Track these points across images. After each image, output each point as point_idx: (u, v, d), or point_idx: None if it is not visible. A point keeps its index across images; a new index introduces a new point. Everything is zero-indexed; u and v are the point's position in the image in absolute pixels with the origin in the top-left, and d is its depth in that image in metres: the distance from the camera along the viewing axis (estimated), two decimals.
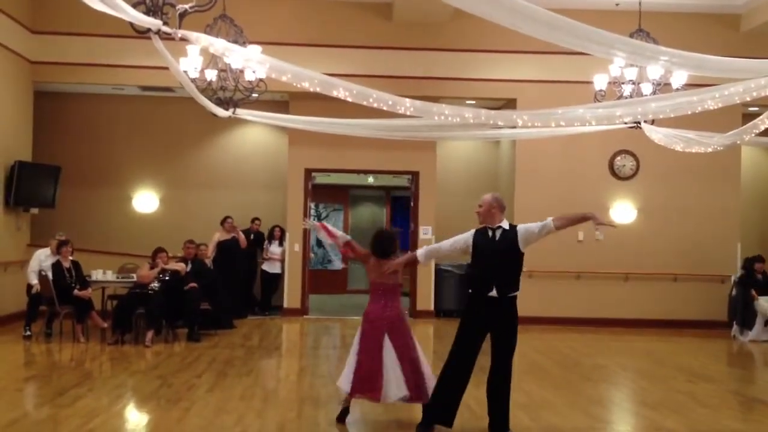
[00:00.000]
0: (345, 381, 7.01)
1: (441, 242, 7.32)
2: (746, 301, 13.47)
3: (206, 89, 9.09)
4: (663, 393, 8.95)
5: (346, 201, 20.82)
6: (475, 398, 8.07)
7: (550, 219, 6.71)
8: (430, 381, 6.98)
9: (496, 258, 6.70)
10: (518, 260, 6.76)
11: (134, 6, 5.90)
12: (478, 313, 6.71)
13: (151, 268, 11.79)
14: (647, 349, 12.49)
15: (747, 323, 13.48)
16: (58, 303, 11.47)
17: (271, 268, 15.30)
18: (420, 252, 7.17)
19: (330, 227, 7.70)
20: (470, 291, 6.85)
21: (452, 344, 6.81)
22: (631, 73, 9.54)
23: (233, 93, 9.26)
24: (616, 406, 8.80)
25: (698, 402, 8.43)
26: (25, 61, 13.84)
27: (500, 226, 6.78)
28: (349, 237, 7.64)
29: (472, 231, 6.91)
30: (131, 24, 6.09)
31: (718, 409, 8.19)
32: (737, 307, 13.67)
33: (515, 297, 6.72)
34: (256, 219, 15.34)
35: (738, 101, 7.07)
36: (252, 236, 15.00)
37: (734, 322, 13.78)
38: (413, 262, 7.29)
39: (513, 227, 6.80)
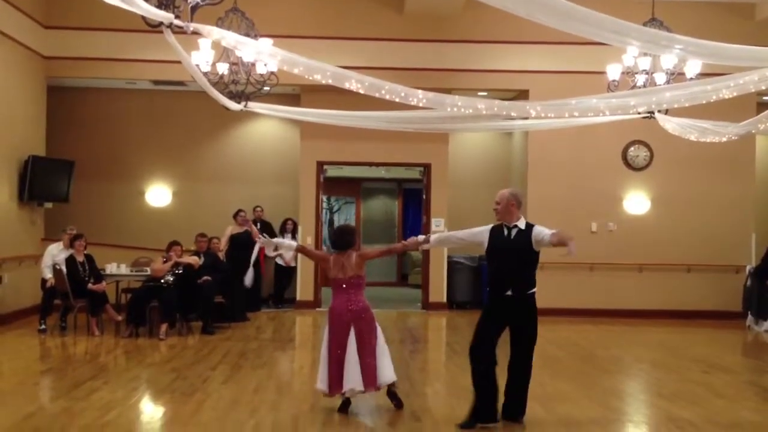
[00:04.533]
0: (322, 383, 7.11)
1: (457, 231, 7.36)
2: (761, 292, 13.40)
3: (218, 83, 9.09)
4: (679, 384, 8.92)
5: (359, 193, 20.81)
6: None
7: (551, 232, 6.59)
8: (386, 369, 7.09)
9: (512, 257, 6.66)
10: (533, 260, 6.73)
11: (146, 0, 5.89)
12: (497, 311, 6.73)
13: (165, 261, 11.83)
14: (662, 340, 12.44)
15: (762, 313, 13.40)
16: (72, 297, 11.52)
17: (284, 261, 15.30)
18: (434, 237, 7.16)
19: (273, 241, 7.93)
20: (488, 289, 6.84)
21: (472, 342, 6.79)
22: (645, 63, 9.47)
23: (245, 86, 9.25)
24: (631, 397, 8.77)
25: (714, 393, 8.39)
26: (38, 56, 13.88)
27: (516, 225, 6.73)
28: (296, 243, 7.71)
29: (489, 227, 6.87)
30: (143, 18, 6.09)
31: (735, 400, 8.15)
32: (752, 297, 13.60)
33: (533, 294, 6.71)
34: (258, 207, 15.25)
35: (753, 90, 7.03)
36: (258, 224, 14.93)
37: (749, 313, 13.71)
38: (414, 245, 7.21)
39: (530, 226, 6.72)
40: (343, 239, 7.31)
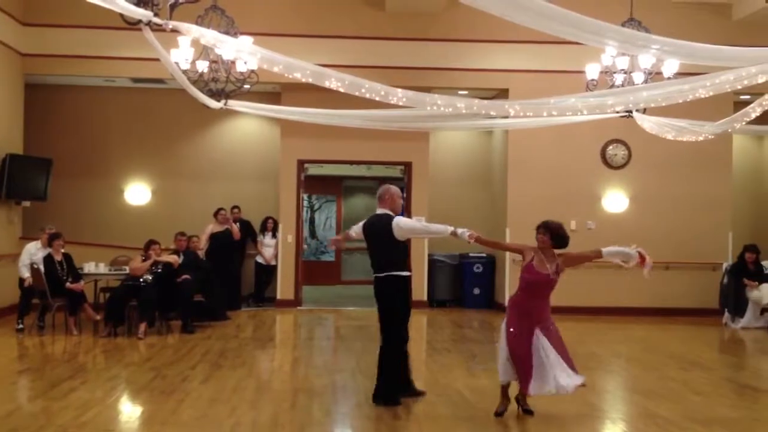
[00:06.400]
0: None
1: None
2: (738, 289, 13.54)
3: (198, 81, 9.07)
4: (656, 380, 8.99)
5: (339, 192, 20.80)
6: (468, 386, 8.12)
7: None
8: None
9: None
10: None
11: None
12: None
13: (144, 260, 11.78)
14: (640, 336, 12.54)
15: (738, 311, 13.54)
16: (50, 296, 11.44)
17: (265, 260, 15.28)
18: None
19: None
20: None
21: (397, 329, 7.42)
22: (623, 63, 9.55)
23: (225, 84, 9.23)
24: (609, 393, 8.83)
25: (691, 389, 8.47)
26: (15, 53, 13.76)
27: None
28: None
29: None
30: (122, 15, 6.08)
31: (711, 396, 8.23)
32: (729, 295, 13.73)
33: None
34: (235, 207, 15.14)
35: (729, 89, 7.10)
36: (238, 224, 14.83)
37: (725, 310, 13.84)
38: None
39: None
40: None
